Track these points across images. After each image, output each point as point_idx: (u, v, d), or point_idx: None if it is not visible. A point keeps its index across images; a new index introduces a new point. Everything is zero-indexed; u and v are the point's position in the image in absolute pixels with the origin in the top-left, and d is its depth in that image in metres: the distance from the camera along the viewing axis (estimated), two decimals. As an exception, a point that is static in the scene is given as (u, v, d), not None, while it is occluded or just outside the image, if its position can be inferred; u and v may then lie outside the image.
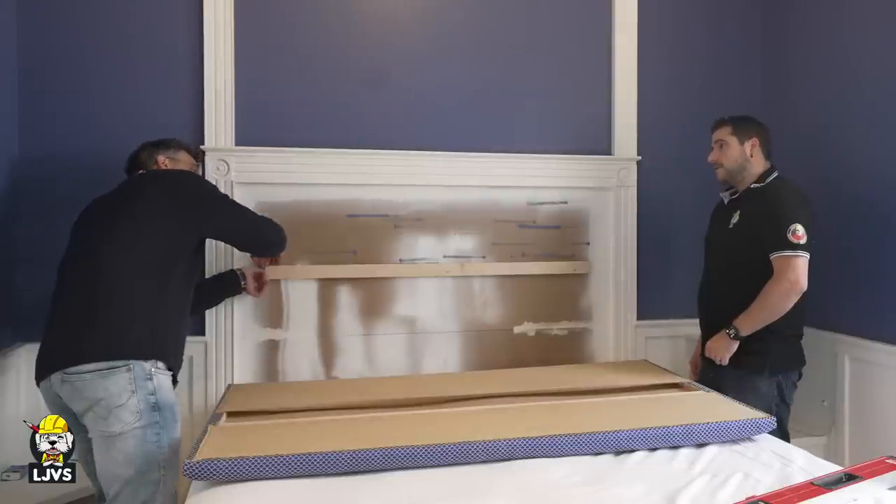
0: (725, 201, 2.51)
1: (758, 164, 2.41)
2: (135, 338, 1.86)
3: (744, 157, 2.40)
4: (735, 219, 2.40)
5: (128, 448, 1.80)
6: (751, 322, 2.26)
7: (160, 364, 1.91)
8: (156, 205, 1.98)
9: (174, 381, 1.99)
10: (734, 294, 2.34)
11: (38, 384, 1.92)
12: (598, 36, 2.95)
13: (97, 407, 1.80)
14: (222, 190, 2.57)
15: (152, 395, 1.84)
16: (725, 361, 2.31)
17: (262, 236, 2.23)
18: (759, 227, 2.29)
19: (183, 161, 2.25)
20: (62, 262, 2.03)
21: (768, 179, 2.38)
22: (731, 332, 2.28)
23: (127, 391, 1.80)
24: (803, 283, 2.21)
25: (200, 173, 2.40)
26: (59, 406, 1.90)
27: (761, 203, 2.33)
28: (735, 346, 2.29)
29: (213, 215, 2.08)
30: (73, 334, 1.85)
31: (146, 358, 1.86)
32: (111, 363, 1.81)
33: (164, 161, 2.19)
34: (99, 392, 1.79)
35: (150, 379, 1.85)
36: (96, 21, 2.53)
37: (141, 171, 2.17)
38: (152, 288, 1.92)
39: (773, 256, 2.24)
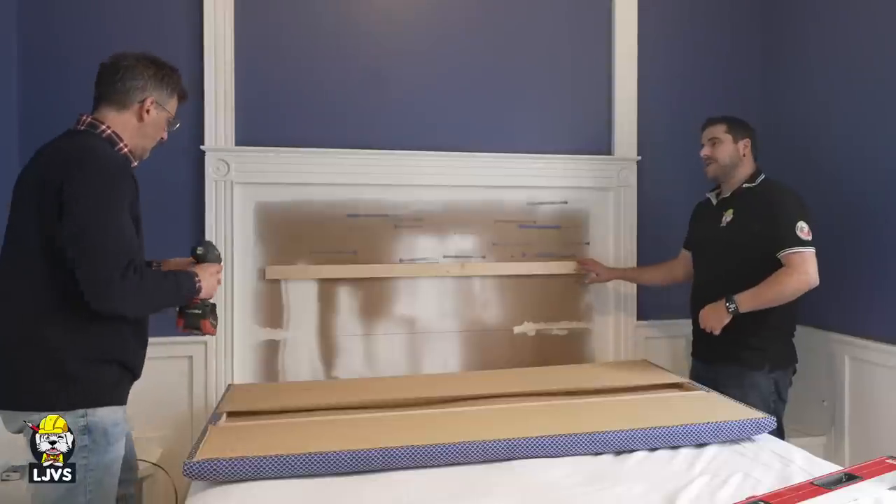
0: (714, 201, 2.53)
1: (748, 165, 2.45)
2: (56, 386, 1.61)
3: (737, 156, 2.43)
4: (728, 217, 2.42)
5: None
6: (754, 302, 2.25)
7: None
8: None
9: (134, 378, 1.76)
10: (731, 292, 2.34)
11: None
12: (598, 36, 2.95)
13: (25, 433, 1.62)
14: (222, 191, 2.59)
15: (82, 417, 1.62)
16: (717, 331, 2.30)
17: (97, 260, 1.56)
18: (761, 225, 2.31)
19: (166, 115, 1.80)
20: None
21: (758, 180, 2.42)
22: (731, 306, 2.26)
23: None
24: (817, 278, 2.25)
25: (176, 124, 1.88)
26: None
27: (758, 202, 2.36)
28: (728, 320, 2.27)
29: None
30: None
31: (77, 406, 1.62)
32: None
33: (150, 103, 1.73)
34: (20, 423, 1.63)
35: None
36: (96, 20, 2.53)
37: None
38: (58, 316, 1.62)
39: (785, 253, 2.25)
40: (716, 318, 2.31)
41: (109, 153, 1.68)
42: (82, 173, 1.59)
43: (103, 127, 1.71)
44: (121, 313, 1.62)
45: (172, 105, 1.82)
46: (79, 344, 1.61)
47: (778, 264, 2.26)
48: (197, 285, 1.73)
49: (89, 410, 1.62)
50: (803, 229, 2.25)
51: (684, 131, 2.89)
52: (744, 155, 2.43)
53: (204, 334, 1.83)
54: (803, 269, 2.23)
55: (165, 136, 1.84)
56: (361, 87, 2.72)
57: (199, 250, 1.84)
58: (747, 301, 2.26)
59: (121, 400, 1.71)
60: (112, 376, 1.67)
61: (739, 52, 3.09)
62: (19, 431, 1.66)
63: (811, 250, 2.25)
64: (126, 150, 1.74)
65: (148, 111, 1.74)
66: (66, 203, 1.56)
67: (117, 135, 1.72)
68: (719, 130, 2.45)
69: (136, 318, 1.69)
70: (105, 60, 1.75)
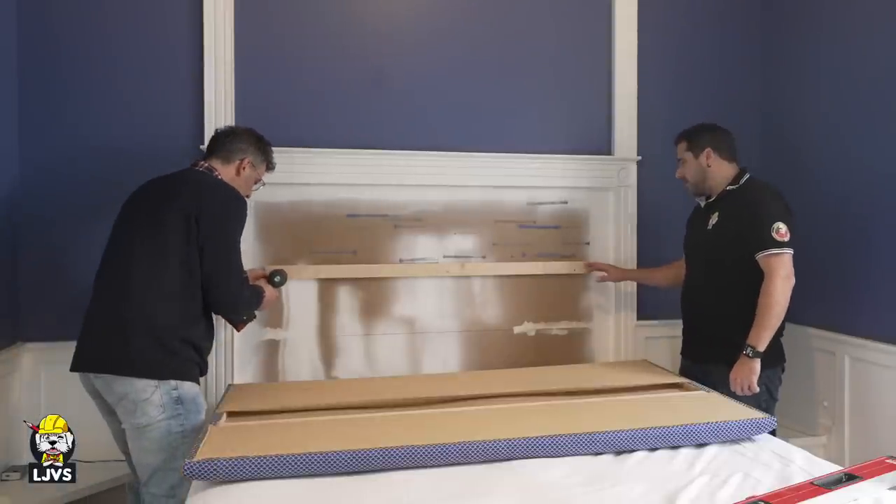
0: (702, 205, 2.53)
1: (720, 170, 2.43)
2: (160, 358, 1.93)
3: (701, 169, 2.44)
4: (714, 220, 2.43)
5: (154, 439, 1.91)
6: (765, 332, 2.22)
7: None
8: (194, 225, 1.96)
9: (202, 373, 2.09)
10: (718, 293, 2.37)
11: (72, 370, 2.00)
12: (598, 36, 2.95)
13: (125, 401, 1.91)
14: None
15: (175, 389, 1.93)
16: (755, 387, 2.23)
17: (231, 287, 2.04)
18: (741, 227, 2.31)
19: (256, 175, 2.23)
20: (105, 250, 2.07)
21: (742, 180, 2.41)
22: (749, 352, 2.22)
23: (150, 386, 1.90)
24: (793, 277, 2.25)
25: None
26: (95, 393, 2.01)
27: (740, 204, 2.36)
28: (758, 365, 2.23)
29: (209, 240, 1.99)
30: (104, 342, 1.94)
31: (171, 378, 1.94)
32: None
33: (247, 163, 2.17)
34: (125, 387, 1.90)
35: None
36: (96, 21, 2.53)
37: (204, 170, 2.11)
38: (176, 301, 1.97)
39: (761, 255, 2.25)
40: (747, 371, 2.23)
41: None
42: (225, 202, 2.02)
43: (216, 173, 2.12)
44: (235, 316, 2.21)
45: (261, 170, 2.26)
46: (177, 327, 1.94)
47: (758, 265, 2.26)
48: (263, 301, 2.21)
49: (179, 383, 1.94)
50: (779, 230, 2.23)
51: (684, 130, 2.90)
52: (708, 165, 2.42)
53: (235, 328, 2.33)
54: (778, 274, 2.21)
55: (250, 193, 2.25)
56: (361, 88, 2.72)
57: (277, 279, 2.35)
58: (759, 337, 2.21)
59: (198, 380, 2.05)
60: (195, 357, 2.02)
61: (739, 52, 3.09)
62: (110, 410, 1.97)
63: (788, 252, 2.23)
64: None
65: (244, 168, 2.17)
66: (211, 224, 1.96)
67: (223, 180, 2.12)
68: (681, 149, 2.49)
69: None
70: (221, 127, 2.27)
